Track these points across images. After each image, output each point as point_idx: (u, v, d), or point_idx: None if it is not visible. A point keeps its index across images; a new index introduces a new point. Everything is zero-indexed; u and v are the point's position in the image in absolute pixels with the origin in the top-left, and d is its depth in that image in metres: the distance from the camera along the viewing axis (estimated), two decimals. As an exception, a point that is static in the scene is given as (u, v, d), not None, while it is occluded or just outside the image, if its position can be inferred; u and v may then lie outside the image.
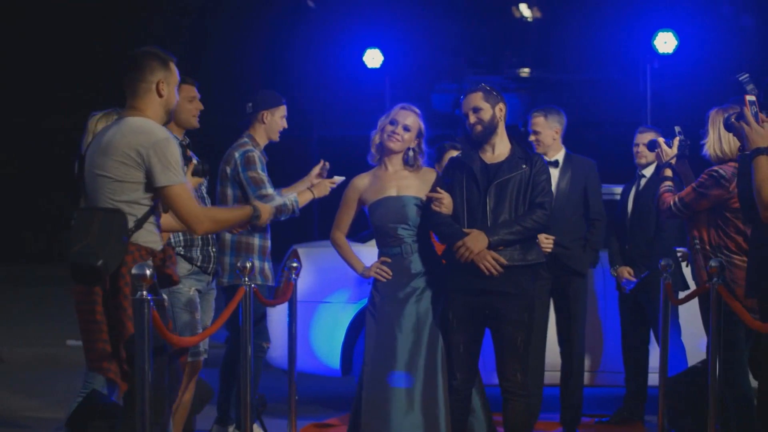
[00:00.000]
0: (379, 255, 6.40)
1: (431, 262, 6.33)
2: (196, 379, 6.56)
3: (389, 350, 6.24)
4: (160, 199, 5.00)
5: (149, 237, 4.96)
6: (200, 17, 27.06)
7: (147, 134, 4.90)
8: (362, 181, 6.49)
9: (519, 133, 6.53)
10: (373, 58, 22.04)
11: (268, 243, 7.15)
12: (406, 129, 6.39)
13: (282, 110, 7.19)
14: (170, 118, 5.20)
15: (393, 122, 6.41)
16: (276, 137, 7.20)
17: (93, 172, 4.95)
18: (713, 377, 5.94)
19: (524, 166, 6.12)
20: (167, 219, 5.23)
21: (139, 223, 4.90)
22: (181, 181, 4.93)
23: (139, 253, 4.88)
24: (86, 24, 25.29)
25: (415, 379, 6.19)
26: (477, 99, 6.19)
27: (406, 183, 6.38)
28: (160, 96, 5.04)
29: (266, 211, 5.61)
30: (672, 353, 7.28)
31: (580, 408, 7.58)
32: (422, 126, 6.45)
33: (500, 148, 6.21)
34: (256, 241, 7.05)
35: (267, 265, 7.10)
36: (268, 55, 26.25)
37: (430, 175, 6.43)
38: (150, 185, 4.91)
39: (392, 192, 6.36)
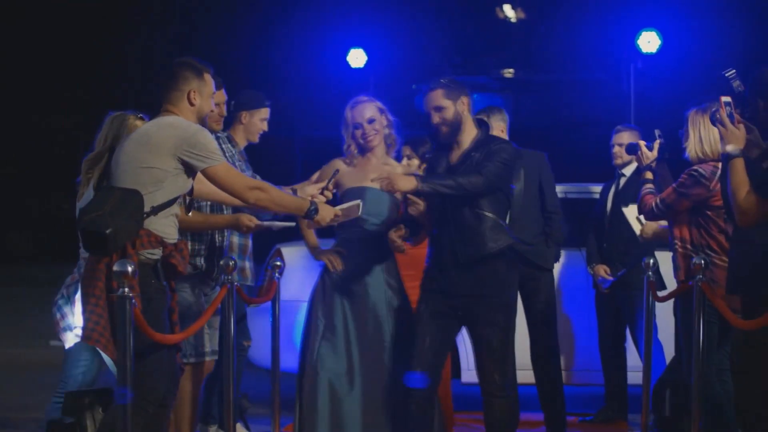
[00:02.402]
0: (336, 239, 6.38)
1: (387, 257, 6.30)
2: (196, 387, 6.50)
3: (335, 342, 6.24)
4: (184, 197, 5.22)
5: (163, 227, 5.11)
6: (184, 17, 27.02)
7: (179, 128, 5.13)
8: (342, 164, 6.42)
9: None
10: (357, 57, 22.04)
11: (249, 242, 7.05)
12: (371, 121, 6.34)
13: (263, 113, 7.02)
14: (202, 125, 5.33)
15: (357, 126, 6.35)
16: (255, 139, 7.04)
17: (122, 159, 5.12)
18: (696, 377, 5.95)
19: (475, 154, 5.94)
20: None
21: (155, 210, 5.05)
22: (221, 161, 5.20)
23: (148, 239, 5.04)
24: (86, 24, 25.25)
25: (360, 374, 6.19)
26: (438, 98, 5.96)
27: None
28: (192, 104, 5.27)
29: (327, 211, 5.61)
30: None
31: (563, 411, 7.50)
32: (378, 104, 6.37)
33: (466, 143, 6.04)
34: (235, 239, 6.94)
35: (247, 264, 7.02)
36: (252, 54, 26.23)
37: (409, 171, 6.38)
38: (181, 177, 5.12)
39: (366, 183, 6.27)
